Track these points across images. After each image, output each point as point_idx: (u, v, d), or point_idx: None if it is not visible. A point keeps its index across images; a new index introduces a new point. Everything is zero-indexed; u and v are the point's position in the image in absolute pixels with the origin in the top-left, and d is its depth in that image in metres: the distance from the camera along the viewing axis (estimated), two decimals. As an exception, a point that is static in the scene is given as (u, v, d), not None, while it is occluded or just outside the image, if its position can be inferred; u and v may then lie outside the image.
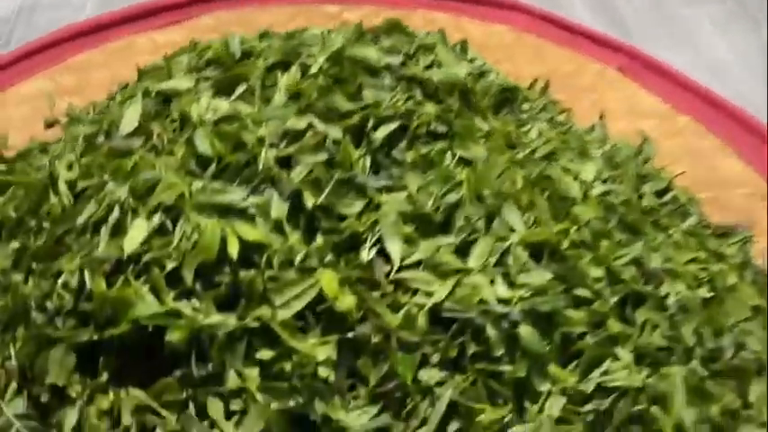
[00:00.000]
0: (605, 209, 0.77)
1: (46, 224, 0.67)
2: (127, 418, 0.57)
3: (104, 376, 0.59)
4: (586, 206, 0.75)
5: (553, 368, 0.61)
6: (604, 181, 0.82)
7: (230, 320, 0.57)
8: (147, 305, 0.56)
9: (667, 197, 0.92)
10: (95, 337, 0.59)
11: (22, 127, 0.96)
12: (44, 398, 0.62)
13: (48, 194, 0.70)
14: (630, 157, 0.94)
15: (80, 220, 0.64)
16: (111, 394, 0.58)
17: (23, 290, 0.65)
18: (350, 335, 0.58)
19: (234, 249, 0.57)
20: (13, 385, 0.65)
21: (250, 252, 0.58)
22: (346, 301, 0.57)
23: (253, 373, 0.57)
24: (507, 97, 0.88)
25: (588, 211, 0.74)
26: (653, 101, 1.16)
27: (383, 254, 0.64)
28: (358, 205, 0.66)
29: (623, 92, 1.17)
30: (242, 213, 0.61)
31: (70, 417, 0.57)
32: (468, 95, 0.80)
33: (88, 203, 0.65)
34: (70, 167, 0.70)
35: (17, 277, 0.69)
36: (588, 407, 0.60)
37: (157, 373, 0.57)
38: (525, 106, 0.90)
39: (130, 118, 0.72)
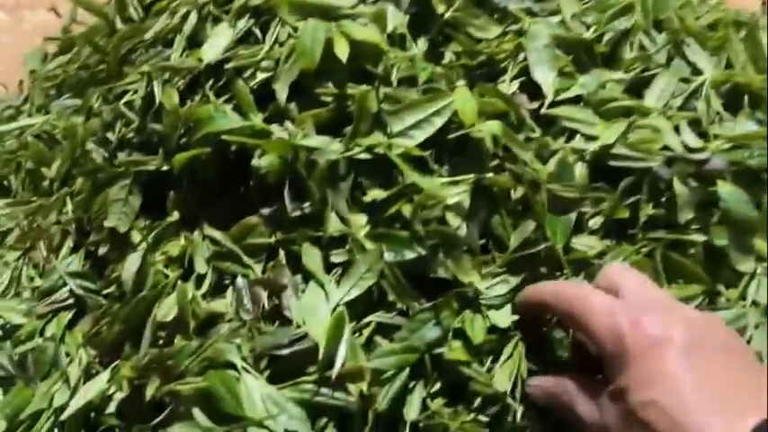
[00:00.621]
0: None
1: (110, 48, 0.55)
2: (201, 266, 0.45)
3: (174, 216, 0.47)
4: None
5: (762, 242, 0.45)
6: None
7: (334, 146, 0.43)
8: (228, 120, 0.43)
9: None
10: (165, 167, 0.47)
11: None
12: (102, 249, 0.51)
13: (114, 25, 0.59)
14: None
15: (149, 34, 0.51)
16: (183, 238, 0.46)
17: (82, 129, 0.54)
18: (488, 177, 0.44)
19: (343, 51, 0.43)
20: (69, 242, 0.55)
21: (362, 60, 0.44)
22: (490, 128, 0.43)
23: (361, 216, 0.43)
24: None
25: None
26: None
27: (529, 88, 0.49)
28: (496, 29, 0.51)
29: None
30: (350, 20, 0.47)
31: (130, 265, 0.45)
32: None
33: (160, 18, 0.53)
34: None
35: (76, 119, 0.58)
36: (808, 294, 0.44)
37: (241, 212, 0.45)
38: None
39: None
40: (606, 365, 0.36)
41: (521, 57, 0.49)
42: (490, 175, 0.44)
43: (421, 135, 0.44)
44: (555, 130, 0.48)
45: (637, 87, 0.49)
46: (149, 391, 0.44)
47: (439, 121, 0.44)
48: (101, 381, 0.46)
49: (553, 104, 0.48)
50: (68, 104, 0.65)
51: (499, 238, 0.45)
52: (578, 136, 0.47)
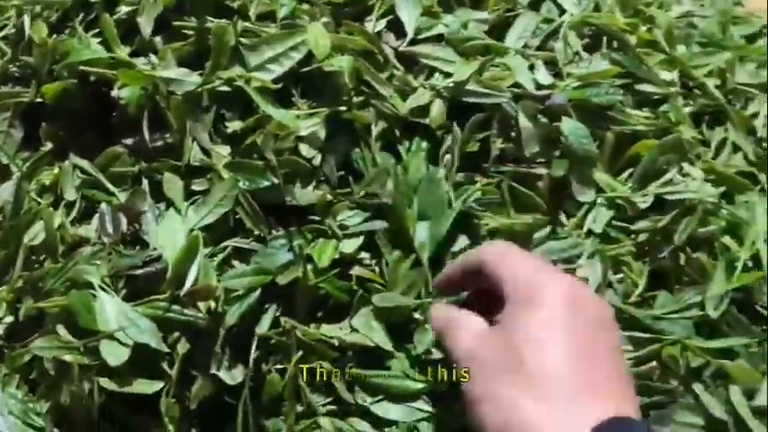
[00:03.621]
0: (687, 25, 0.62)
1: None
2: (70, 193, 0.47)
3: (47, 146, 0.48)
4: (663, 11, 0.59)
5: (601, 174, 0.47)
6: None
7: (193, 78, 0.45)
8: (90, 51, 0.45)
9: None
10: (38, 99, 0.48)
11: None
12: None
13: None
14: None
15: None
16: (56, 167, 0.48)
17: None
18: (343, 110, 0.46)
19: (200, -14, 0.45)
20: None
21: (221, -3, 0.46)
22: (341, 63, 0.45)
23: (224, 147, 0.45)
24: None
25: (665, 16, 0.58)
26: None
27: (395, 28, 0.51)
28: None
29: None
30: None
31: (2, 192, 0.47)
32: None
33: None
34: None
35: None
36: (642, 224, 0.47)
37: (107, 142, 0.47)
38: None
39: None
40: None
41: (389, -4, 0.51)
42: (349, 110, 0.46)
43: (278, 69, 0.46)
44: (418, 68, 0.50)
45: (500, 28, 0.51)
46: (22, 311, 0.46)
47: (296, 56, 0.46)
48: (-14, 305, 0.49)
49: (416, 43, 0.50)
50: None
51: (359, 172, 0.47)
52: (437, 74, 0.49)
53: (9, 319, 0.49)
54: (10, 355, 0.47)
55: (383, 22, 0.50)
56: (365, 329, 0.42)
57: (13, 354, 0.47)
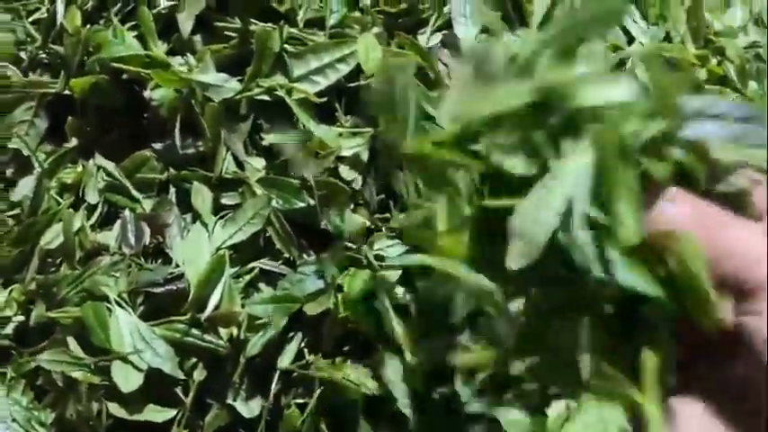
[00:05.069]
0: (755, 57, 0.57)
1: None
2: (92, 196, 0.44)
3: (72, 142, 0.46)
4: (731, 38, 0.55)
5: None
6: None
7: (232, 84, 0.42)
8: (124, 47, 0.42)
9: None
10: (66, 91, 0.45)
11: None
12: (9, 171, 0.50)
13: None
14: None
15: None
16: (80, 166, 0.45)
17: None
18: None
19: (246, -14, 0.41)
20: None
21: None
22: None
23: (259, 160, 0.42)
24: None
25: (735, 47, 0.54)
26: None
27: (449, 43, 0.47)
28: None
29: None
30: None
31: (22, 188, 0.45)
32: None
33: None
34: None
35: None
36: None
37: (136, 144, 0.44)
38: None
39: None
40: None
41: (446, 8, 0.47)
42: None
43: (324, 81, 0.42)
44: (471, 89, 0.46)
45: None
46: (33, 316, 0.44)
47: (344, 68, 0.42)
48: (-3, 302, 0.46)
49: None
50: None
51: (400, 197, 0.44)
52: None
53: (19, 317, 0.47)
54: (17, 360, 0.45)
55: (438, 37, 0.47)
56: (392, 384, 0.38)
57: (21, 360, 0.44)
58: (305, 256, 0.42)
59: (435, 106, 0.44)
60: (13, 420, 0.45)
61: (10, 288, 0.47)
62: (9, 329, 0.47)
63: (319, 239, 0.43)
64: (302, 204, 0.41)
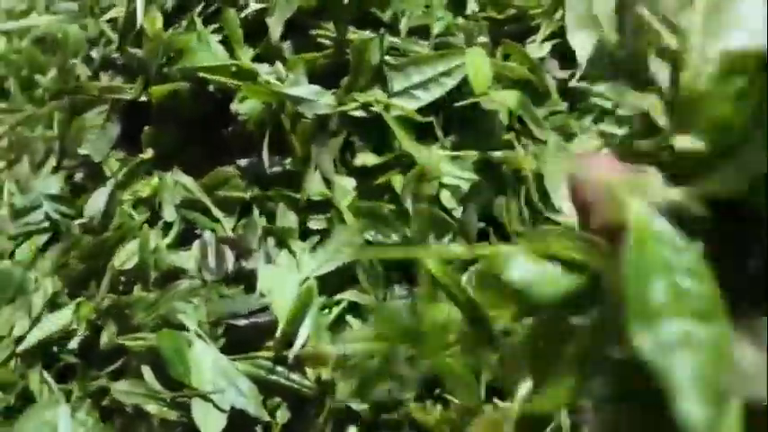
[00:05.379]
0: None
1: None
2: (170, 213, 0.41)
3: (149, 153, 0.43)
4: None
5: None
6: None
7: (326, 98, 0.38)
8: (211, 54, 0.38)
9: None
10: (143, 98, 0.42)
11: None
12: (78, 176, 0.48)
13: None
14: None
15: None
16: (156, 178, 0.42)
17: (72, 42, 0.49)
18: (496, 155, 0.38)
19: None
20: (52, 161, 0.51)
21: (369, 2, 0.38)
22: (503, 98, 0.37)
23: (349, 181, 0.39)
24: None
25: None
26: None
27: (560, 53, 0.43)
28: (535, -20, 0.44)
29: None
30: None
31: (96, 200, 0.42)
32: None
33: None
34: None
35: (72, 27, 0.53)
36: None
37: (218, 159, 0.41)
38: None
39: None
40: None
41: (558, 15, 0.42)
42: (498, 153, 0.38)
43: (427, 97, 0.38)
44: (584, 105, 0.41)
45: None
46: (104, 338, 0.41)
47: (449, 83, 0.38)
48: (64, 315, 0.44)
49: (586, 78, 0.41)
50: (69, 8, 0.60)
51: (501, 225, 0.40)
52: (608, 118, 0.41)
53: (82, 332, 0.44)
54: (83, 379, 0.42)
55: (548, 46, 0.42)
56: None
57: (87, 380, 0.42)
58: (396, 287, 0.39)
59: (539, 124, 0.39)
60: (79, 443, 0.43)
61: (77, 301, 0.44)
62: (74, 344, 0.45)
63: (412, 269, 0.39)
64: (397, 239, 0.37)
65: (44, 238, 0.49)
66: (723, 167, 0.15)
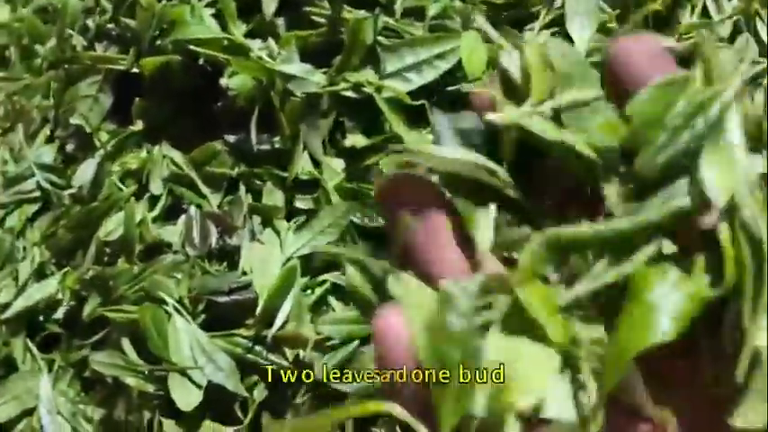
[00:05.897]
0: None
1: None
2: (157, 187, 0.41)
3: (138, 125, 0.42)
4: None
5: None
6: None
7: (317, 77, 0.37)
8: (202, 27, 0.38)
9: None
10: (135, 69, 0.42)
11: None
12: (69, 146, 0.47)
13: None
14: None
15: None
16: (145, 151, 0.42)
17: (68, 8, 0.48)
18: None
19: (343, -34, 0.37)
20: (46, 131, 0.51)
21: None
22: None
23: (338, 162, 0.38)
24: None
25: None
26: None
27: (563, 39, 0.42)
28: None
29: None
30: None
31: (84, 171, 0.42)
32: None
33: None
34: None
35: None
36: None
37: (207, 134, 0.40)
38: None
39: None
40: None
41: (558, 2, 0.42)
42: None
43: (419, 80, 0.38)
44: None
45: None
46: (87, 309, 0.41)
47: (443, 66, 0.38)
48: (50, 285, 0.44)
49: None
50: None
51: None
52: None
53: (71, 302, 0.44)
54: (67, 349, 0.43)
55: (546, 34, 0.41)
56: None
57: (70, 350, 0.42)
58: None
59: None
60: (58, 413, 0.43)
61: (63, 271, 0.44)
62: (60, 314, 0.45)
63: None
64: (383, 222, 0.37)
65: (34, 207, 0.49)
66: None
